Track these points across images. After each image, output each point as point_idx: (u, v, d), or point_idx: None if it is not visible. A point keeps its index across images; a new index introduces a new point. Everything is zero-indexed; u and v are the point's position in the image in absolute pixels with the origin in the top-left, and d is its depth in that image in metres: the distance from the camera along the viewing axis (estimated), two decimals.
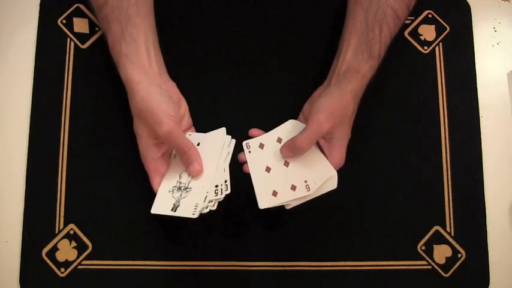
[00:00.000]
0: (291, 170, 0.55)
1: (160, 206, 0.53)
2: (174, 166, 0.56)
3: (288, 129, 0.57)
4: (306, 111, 0.58)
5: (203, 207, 0.51)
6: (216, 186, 0.52)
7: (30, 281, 0.58)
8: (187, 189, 0.53)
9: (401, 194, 0.62)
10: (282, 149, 0.54)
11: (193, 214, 0.50)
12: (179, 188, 0.54)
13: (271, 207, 0.53)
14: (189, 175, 0.54)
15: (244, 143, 0.57)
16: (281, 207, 0.54)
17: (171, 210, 0.52)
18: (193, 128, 0.59)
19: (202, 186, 0.53)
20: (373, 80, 0.57)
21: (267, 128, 0.58)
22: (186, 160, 0.54)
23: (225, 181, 0.53)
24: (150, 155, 0.54)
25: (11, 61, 0.64)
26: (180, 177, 0.55)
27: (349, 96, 0.54)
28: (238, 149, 0.56)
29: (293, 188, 0.53)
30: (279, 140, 0.56)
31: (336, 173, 0.53)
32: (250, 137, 0.57)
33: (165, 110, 0.52)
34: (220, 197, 0.52)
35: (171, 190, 0.54)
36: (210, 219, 0.59)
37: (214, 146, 0.55)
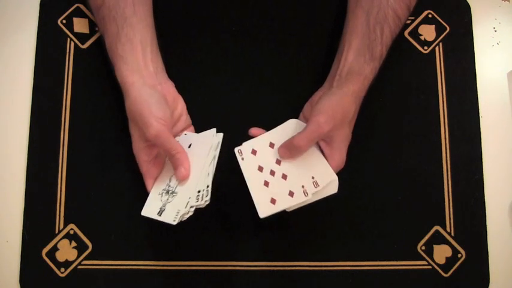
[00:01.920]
0: (289, 174, 0.54)
1: (149, 209, 0.53)
2: (167, 169, 0.56)
3: (286, 129, 0.56)
4: (307, 112, 0.58)
5: (184, 213, 0.50)
6: (199, 191, 0.51)
7: (30, 281, 0.58)
8: (174, 194, 0.53)
9: (401, 194, 0.62)
10: (279, 149, 0.54)
11: (174, 221, 0.50)
12: (167, 192, 0.54)
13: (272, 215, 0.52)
14: (176, 179, 0.54)
15: (236, 149, 0.55)
16: (283, 212, 0.54)
17: (157, 214, 0.52)
18: (192, 127, 0.59)
19: (185, 191, 0.52)
20: (375, 81, 0.57)
21: (266, 128, 0.58)
22: (173, 164, 0.54)
23: (207, 186, 0.51)
24: (142, 157, 0.54)
25: (11, 61, 0.64)
26: (170, 180, 0.55)
27: (351, 98, 0.54)
28: (236, 147, 0.56)
29: (291, 194, 0.52)
30: (272, 145, 0.55)
31: (337, 177, 0.53)
32: (251, 137, 0.56)
33: (155, 113, 0.52)
34: (201, 203, 0.50)
35: (160, 193, 0.54)
36: (210, 219, 0.60)
37: (202, 148, 0.54)
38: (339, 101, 0.53)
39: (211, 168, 0.53)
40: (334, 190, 0.53)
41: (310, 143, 0.53)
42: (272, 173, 0.54)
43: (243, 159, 0.55)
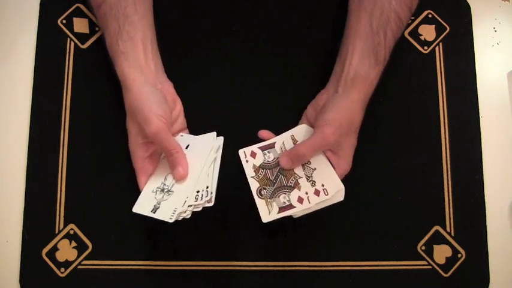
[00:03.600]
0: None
1: (142, 206, 0.53)
2: (162, 167, 0.56)
3: (296, 134, 0.55)
4: (310, 114, 0.58)
5: (181, 212, 0.51)
6: (198, 191, 0.52)
7: (30, 281, 0.58)
8: (170, 192, 0.53)
9: (401, 194, 0.62)
10: (281, 158, 0.54)
11: (170, 218, 0.50)
12: (162, 190, 0.54)
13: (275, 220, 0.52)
14: (173, 178, 0.54)
15: (241, 151, 0.55)
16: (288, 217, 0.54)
17: (151, 211, 0.52)
18: (186, 130, 0.59)
19: (183, 191, 0.52)
20: (378, 84, 0.57)
21: (267, 129, 0.57)
22: (171, 163, 0.54)
23: (207, 187, 0.52)
24: (138, 153, 0.54)
25: (11, 61, 0.64)
26: (165, 179, 0.55)
27: (358, 106, 0.54)
28: (236, 149, 0.56)
29: (300, 200, 0.52)
30: (280, 148, 0.55)
31: (343, 187, 0.53)
32: (260, 140, 0.56)
33: (155, 110, 0.52)
34: (200, 202, 0.51)
35: (154, 191, 0.54)
36: (210, 219, 0.60)
37: (202, 150, 0.55)
38: (346, 111, 0.53)
39: (211, 171, 0.53)
40: (340, 198, 0.53)
41: (313, 152, 0.53)
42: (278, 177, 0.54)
43: (247, 161, 0.54)
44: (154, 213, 0.52)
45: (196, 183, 0.53)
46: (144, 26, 0.57)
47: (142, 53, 0.56)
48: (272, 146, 0.55)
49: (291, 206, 0.52)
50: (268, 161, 0.54)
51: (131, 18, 0.56)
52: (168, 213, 0.51)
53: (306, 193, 0.53)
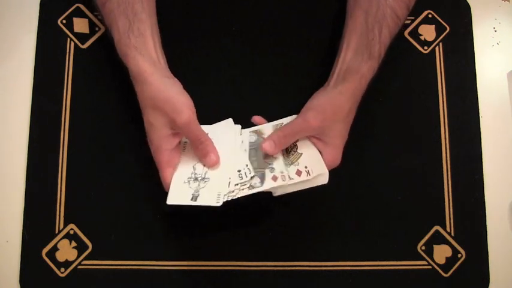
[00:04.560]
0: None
1: (178, 197, 0.52)
2: (186, 157, 0.55)
3: (280, 124, 0.57)
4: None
5: (229, 193, 0.51)
6: (239, 171, 0.53)
7: (30, 281, 0.58)
8: (205, 180, 0.53)
9: (401, 194, 0.62)
10: (263, 142, 0.54)
11: (217, 202, 0.50)
12: (196, 179, 0.53)
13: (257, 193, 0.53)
14: (204, 166, 0.54)
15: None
16: (271, 197, 0.54)
17: (191, 200, 0.52)
18: None
19: (222, 174, 0.53)
20: (373, 80, 0.57)
21: None
22: (202, 150, 0.53)
23: (246, 165, 0.53)
24: (165, 145, 0.53)
25: (11, 61, 0.64)
26: (194, 168, 0.55)
27: (344, 96, 0.54)
28: None
29: (274, 178, 0.53)
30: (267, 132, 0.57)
31: (327, 170, 0.53)
32: (253, 125, 0.58)
33: (184, 100, 0.52)
34: (246, 179, 0.52)
35: (186, 181, 0.53)
36: (210, 219, 0.60)
37: (225, 135, 0.56)
38: (330, 98, 0.54)
39: (243, 150, 0.55)
40: (324, 181, 0.53)
41: (295, 136, 0.54)
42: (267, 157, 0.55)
43: (242, 141, 0.56)
44: (195, 201, 0.51)
45: (233, 164, 0.53)
46: (151, 24, 0.57)
47: (153, 49, 0.56)
48: (260, 131, 0.57)
49: (274, 178, 0.53)
50: (250, 142, 0.56)
51: (140, 16, 0.56)
52: (212, 198, 0.51)
53: (281, 172, 0.53)
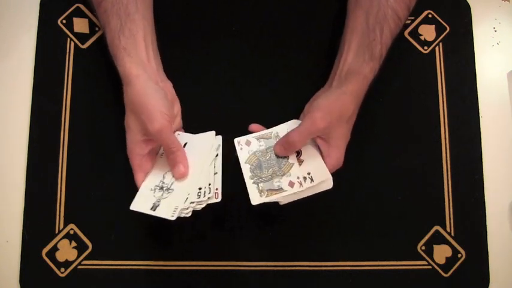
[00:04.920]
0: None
1: (140, 204, 0.53)
2: (159, 165, 0.56)
3: (286, 128, 0.57)
4: (307, 111, 0.58)
5: (183, 209, 0.51)
6: (200, 188, 0.52)
7: (30, 281, 0.58)
8: (170, 190, 0.53)
9: (401, 194, 0.62)
10: (275, 146, 0.55)
11: (172, 216, 0.50)
12: (161, 188, 0.53)
13: (264, 203, 0.53)
14: (173, 176, 0.54)
15: (235, 140, 0.56)
16: (275, 205, 0.54)
17: (150, 209, 0.52)
18: (182, 131, 0.59)
19: (184, 188, 0.53)
20: (375, 80, 0.57)
21: (267, 128, 0.58)
22: (172, 160, 0.53)
23: (209, 184, 0.52)
24: (137, 150, 0.54)
25: (11, 61, 0.64)
26: (164, 177, 0.54)
27: (349, 97, 0.54)
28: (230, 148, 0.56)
29: (291, 184, 0.53)
30: (274, 137, 0.56)
31: (331, 176, 0.53)
32: (250, 133, 0.57)
33: (159, 108, 0.52)
34: (203, 199, 0.51)
35: (153, 189, 0.54)
36: (210, 219, 0.60)
37: (201, 148, 0.55)
38: (336, 99, 0.54)
39: (212, 168, 0.54)
40: (328, 187, 0.53)
41: (305, 139, 0.53)
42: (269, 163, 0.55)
43: (241, 149, 0.56)
44: (154, 210, 0.51)
45: (197, 180, 0.53)
46: (145, 25, 0.57)
47: (144, 51, 0.56)
48: (266, 136, 0.56)
49: (280, 190, 0.53)
50: (260, 149, 0.56)
51: (133, 17, 0.56)
52: (169, 210, 0.51)
53: (298, 178, 0.53)
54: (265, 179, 0.54)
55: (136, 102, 0.53)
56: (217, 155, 0.55)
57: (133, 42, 0.55)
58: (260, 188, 0.53)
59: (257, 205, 0.52)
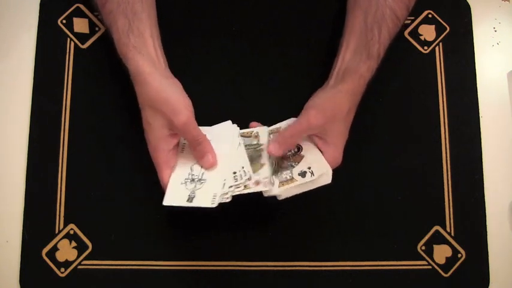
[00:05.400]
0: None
1: (174, 198, 0.53)
2: (183, 159, 0.55)
3: (283, 126, 0.57)
4: (303, 109, 0.58)
5: (223, 195, 0.51)
6: (234, 172, 0.53)
7: (30, 281, 0.58)
8: (202, 181, 0.53)
9: (401, 194, 0.62)
10: (269, 146, 0.54)
11: (212, 203, 0.50)
12: (192, 180, 0.53)
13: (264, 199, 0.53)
14: (201, 167, 0.54)
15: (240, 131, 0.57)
16: (275, 202, 0.54)
17: (187, 201, 0.52)
18: None
19: (218, 176, 0.53)
20: (373, 80, 0.57)
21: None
22: (199, 152, 0.54)
23: (242, 167, 0.53)
24: (163, 146, 0.54)
25: (11, 61, 0.64)
26: (191, 169, 0.55)
27: (344, 95, 0.54)
28: None
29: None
30: (273, 132, 0.57)
31: (331, 169, 0.53)
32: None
33: (182, 101, 0.52)
34: (241, 182, 0.52)
35: (183, 182, 0.53)
36: (210, 219, 0.60)
37: (223, 137, 0.56)
38: (331, 97, 0.54)
39: (240, 152, 0.55)
40: (327, 181, 0.53)
41: (298, 136, 0.54)
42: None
43: (239, 143, 0.56)
44: (190, 202, 0.52)
45: (229, 165, 0.53)
46: (151, 24, 0.57)
47: (153, 49, 0.56)
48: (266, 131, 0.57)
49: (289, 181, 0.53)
50: (249, 144, 0.56)
51: (139, 16, 0.56)
52: (207, 199, 0.51)
53: (291, 174, 0.54)
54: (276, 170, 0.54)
55: (157, 99, 0.52)
56: (240, 142, 0.56)
57: (142, 40, 0.55)
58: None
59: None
